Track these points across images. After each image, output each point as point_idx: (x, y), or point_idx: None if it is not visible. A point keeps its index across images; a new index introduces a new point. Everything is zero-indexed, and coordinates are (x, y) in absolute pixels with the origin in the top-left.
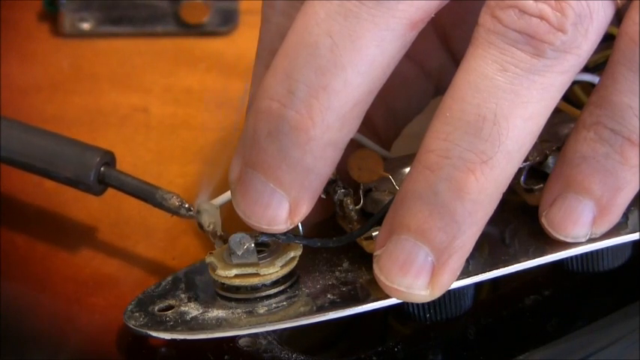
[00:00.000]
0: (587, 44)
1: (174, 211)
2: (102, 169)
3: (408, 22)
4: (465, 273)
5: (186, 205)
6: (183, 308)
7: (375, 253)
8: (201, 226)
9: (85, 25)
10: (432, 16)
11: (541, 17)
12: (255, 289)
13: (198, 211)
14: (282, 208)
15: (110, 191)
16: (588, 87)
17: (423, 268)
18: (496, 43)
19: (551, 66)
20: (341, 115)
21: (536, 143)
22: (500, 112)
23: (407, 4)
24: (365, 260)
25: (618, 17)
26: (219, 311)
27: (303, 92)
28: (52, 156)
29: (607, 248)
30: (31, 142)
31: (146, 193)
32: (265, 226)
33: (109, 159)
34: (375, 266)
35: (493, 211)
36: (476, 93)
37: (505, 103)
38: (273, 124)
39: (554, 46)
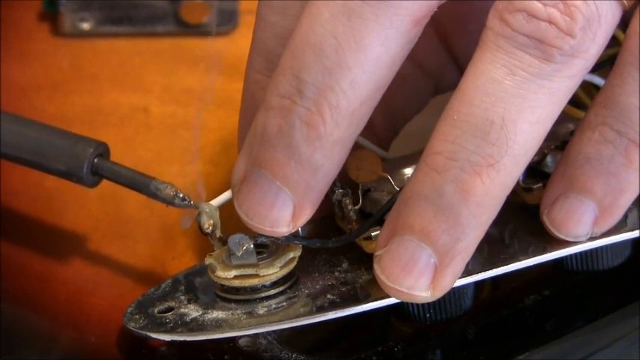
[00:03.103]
0: (595, 48)
1: (169, 202)
2: (95, 160)
3: (411, 19)
4: (465, 272)
5: (181, 195)
6: (183, 310)
7: (375, 253)
8: (201, 228)
9: (85, 25)
10: (436, 10)
11: (550, 21)
12: (254, 290)
13: (197, 213)
14: (287, 209)
15: (110, 191)
16: (588, 86)
17: (425, 269)
18: (505, 47)
19: (560, 70)
20: (349, 113)
21: None
22: (508, 117)
23: (409, 1)
24: (364, 260)
25: (624, 20)
26: (219, 312)
27: (311, 92)
28: (44, 148)
29: (607, 247)
30: (23, 134)
31: (140, 184)
32: (268, 228)
33: (102, 150)
34: (375, 266)
35: (497, 214)
36: (484, 97)
37: (513, 108)
38: (284, 119)
39: (562, 51)
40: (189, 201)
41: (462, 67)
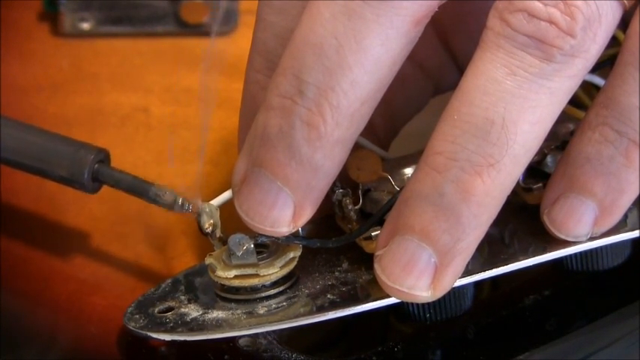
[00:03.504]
0: (595, 48)
1: (168, 207)
2: (96, 166)
3: (411, 19)
4: (465, 272)
5: (180, 202)
6: (183, 310)
7: (376, 253)
8: (201, 228)
9: (85, 25)
10: (436, 10)
11: (550, 21)
12: (254, 289)
13: (197, 213)
14: (287, 209)
15: (110, 191)
16: (588, 86)
17: (425, 269)
18: (505, 47)
19: (560, 70)
20: (349, 113)
21: None
22: (508, 116)
23: (410, 2)
24: (364, 260)
25: (624, 20)
26: (219, 312)
27: (312, 92)
28: (45, 154)
29: (606, 247)
30: (24, 140)
31: (140, 190)
32: (269, 228)
33: (103, 156)
34: (376, 266)
35: (497, 214)
36: (484, 96)
37: (513, 108)
38: (285, 119)
39: (563, 51)
40: (189, 207)
41: (461, 67)
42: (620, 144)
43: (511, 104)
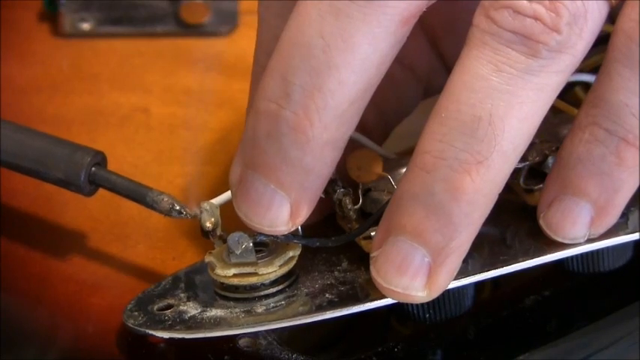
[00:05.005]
0: (582, 44)
1: (166, 213)
2: (92, 169)
3: (399, 18)
4: (465, 273)
5: (177, 208)
6: (182, 307)
7: (371, 255)
8: (202, 227)
9: (85, 25)
10: (424, 10)
11: (535, 17)
12: (253, 288)
13: (198, 211)
14: (284, 210)
15: (109, 192)
16: (589, 88)
17: (419, 269)
18: (491, 44)
19: (546, 66)
20: (338, 114)
21: (535, 143)
22: (495, 113)
23: (397, 1)
24: (364, 260)
25: (612, 16)
26: (218, 310)
27: (298, 94)
28: (42, 156)
29: (608, 249)
30: (21, 142)
31: (137, 195)
32: (267, 228)
33: (99, 159)
34: (372, 268)
35: (489, 211)
36: (471, 94)
37: (500, 104)
38: (272, 124)
39: (548, 47)
40: (186, 213)
41: (451, 69)
42: (610, 143)
43: (498, 100)
